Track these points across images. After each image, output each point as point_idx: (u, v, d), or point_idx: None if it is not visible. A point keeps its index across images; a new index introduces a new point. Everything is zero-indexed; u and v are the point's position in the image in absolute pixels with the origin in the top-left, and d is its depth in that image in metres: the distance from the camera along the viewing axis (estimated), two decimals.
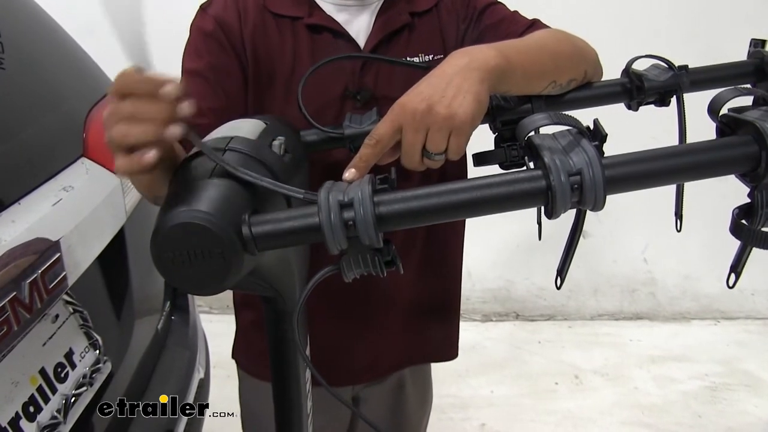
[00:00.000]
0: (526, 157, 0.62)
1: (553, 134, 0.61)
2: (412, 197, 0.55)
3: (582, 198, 0.56)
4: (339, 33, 0.89)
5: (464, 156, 1.01)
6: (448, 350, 1.14)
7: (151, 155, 0.56)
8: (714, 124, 0.65)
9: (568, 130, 0.60)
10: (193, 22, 0.91)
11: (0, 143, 0.96)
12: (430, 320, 1.08)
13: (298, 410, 0.80)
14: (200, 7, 0.92)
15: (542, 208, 0.58)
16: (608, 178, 0.55)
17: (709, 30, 2.43)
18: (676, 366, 2.42)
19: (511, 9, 0.95)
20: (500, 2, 0.96)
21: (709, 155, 0.58)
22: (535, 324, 2.75)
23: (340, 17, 0.90)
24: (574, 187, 0.55)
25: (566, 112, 0.65)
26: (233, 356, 1.11)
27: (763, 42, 0.89)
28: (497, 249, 2.77)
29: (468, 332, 2.70)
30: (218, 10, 0.89)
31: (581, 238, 0.71)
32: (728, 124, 0.63)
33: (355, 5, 0.90)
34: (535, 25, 0.91)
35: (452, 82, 0.67)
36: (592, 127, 0.59)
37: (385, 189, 0.56)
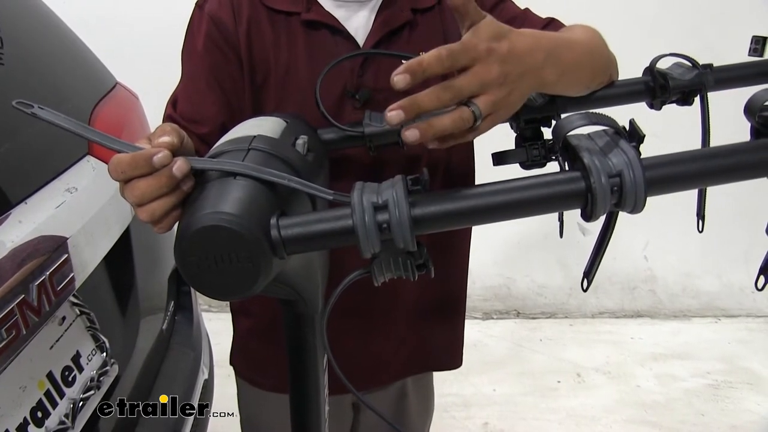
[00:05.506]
0: (560, 158, 0.60)
1: (589, 134, 0.59)
2: (449, 198, 0.53)
3: (621, 200, 0.54)
4: (337, 30, 0.86)
5: (471, 155, 0.99)
6: (453, 358, 1.11)
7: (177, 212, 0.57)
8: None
9: (604, 130, 0.58)
10: (190, 20, 0.88)
11: (2, 142, 0.93)
12: (434, 327, 1.06)
13: (316, 415, 0.78)
14: (196, 4, 0.89)
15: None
16: (649, 179, 0.54)
17: (704, 29, 2.42)
18: (678, 364, 2.42)
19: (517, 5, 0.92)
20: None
21: (751, 156, 0.56)
22: (536, 322, 2.74)
23: (339, 13, 0.86)
24: (614, 189, 0.54)
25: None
26: (231, 362, 1.09)
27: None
28: (497, 246, 2.75)
29: (469, 330, 2.65)
30: (213, 7, 0.86)
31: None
32: (765, 125, 0.62)
33: (355, 1, 0.87)
34: (553, 23, 0.88)
35: (528, 69, 0.60)
36: (628, 127, 0.58)
37: (418, 190, 0.54)
